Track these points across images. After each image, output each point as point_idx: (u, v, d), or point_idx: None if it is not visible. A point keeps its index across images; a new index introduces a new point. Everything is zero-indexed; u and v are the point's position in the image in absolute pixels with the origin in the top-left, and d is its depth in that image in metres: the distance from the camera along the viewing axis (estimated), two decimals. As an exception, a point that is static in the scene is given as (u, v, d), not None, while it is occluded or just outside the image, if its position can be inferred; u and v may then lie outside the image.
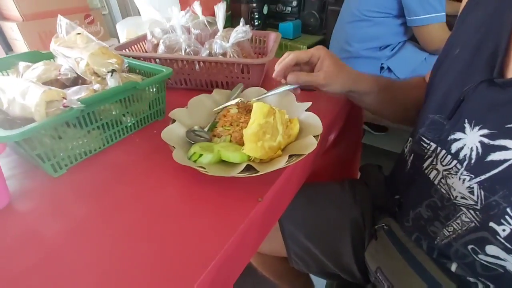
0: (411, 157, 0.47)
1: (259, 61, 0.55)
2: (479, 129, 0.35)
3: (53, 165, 0.39)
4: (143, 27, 0.85)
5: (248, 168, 0.37)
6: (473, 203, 0.36)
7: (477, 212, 0.36)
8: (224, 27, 0.64)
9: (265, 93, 0.49)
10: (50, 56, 0.55)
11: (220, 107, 0.47)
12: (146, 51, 0.71)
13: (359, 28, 1.31)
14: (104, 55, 0.41)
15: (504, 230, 0.33)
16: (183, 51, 0.59)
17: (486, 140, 0.34)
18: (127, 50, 0.63)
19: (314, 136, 0.39)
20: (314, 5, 1.91)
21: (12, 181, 0.39)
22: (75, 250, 0.30)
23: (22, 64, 0.51)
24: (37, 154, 0.36)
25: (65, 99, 0.35)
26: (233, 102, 0.47)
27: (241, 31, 0.55)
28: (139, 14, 1.86)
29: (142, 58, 0.56)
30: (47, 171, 0.39)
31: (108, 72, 0.40)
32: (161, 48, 0.60)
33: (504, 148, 0.33)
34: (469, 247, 0.37)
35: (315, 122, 0.42)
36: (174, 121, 0.45)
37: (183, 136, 0.43)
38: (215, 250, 0.30)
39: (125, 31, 0.82)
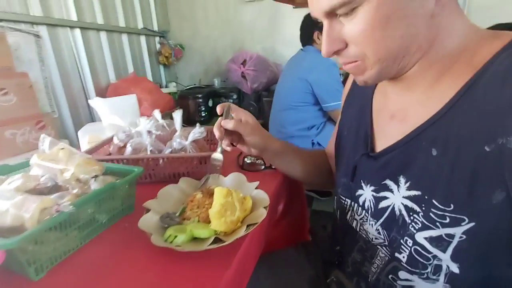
0: (338, 213, 0.61)
1: (209, 153, 0.69)
2: (369, 186, 0.50)
3: (36, 268, 0.42)
4: (105, 132, 0.96)
5: (216, 241, 0.46)
6: (382, 241, 0.49)
7: (387, 247, 0.48)
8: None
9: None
10: (18, 168, 0.61)
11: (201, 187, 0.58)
12: (110, 153, 0.81)
13: (289, 115, 1.63)
14: (87, 164, 0.50)
15: (404, 257, 0.45)
16: (148, 151, 0.71)
17: (375, 194, 0.49)
18: (97, 152, 0.73)
19: (264, 207, 0.51)
20: (251, 97, 2.29)
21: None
22: None
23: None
24: (27, 259, 0.40)
25: (58, 205, 0.42)
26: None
27: (197, 131, 0.71)
28: (90, 116, 1.97)
29: (115, 161, 0.66)
30: (29, 274, 0.42)
31: (91, 177, 0.49)
32: (128, 150, 0.71)
33: (385, 197, 0.47)
34: (390, 276, 0.48)
35: (263, 196, 0.55)
36: (147, 211, 0.54)
37: (156, 223, 0.51)
38: None
39: (87, 136, 0.91)
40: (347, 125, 0.60)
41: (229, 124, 0.56)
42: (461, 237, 0.38)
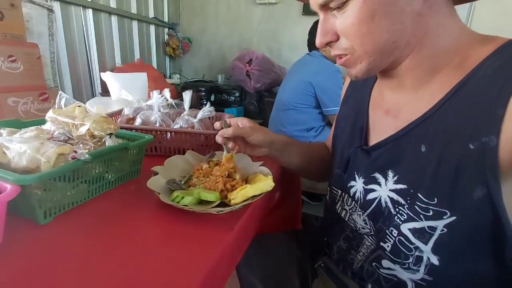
0: (329, 203, 0.63)
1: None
2: (360, 178, 0.52)
3: (45, 212, 0.44)
4: (112, 106, 0.97)
5: (221, 207, 0.48)
6: (368, 231, 0.51)
7: (373, 237, 0.50)
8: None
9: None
10: (31, 124, 0.62)
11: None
12: (117, 124, 0.82)
13: (289, 115, 1.66)
14: (104, 122, 0.52)
15: (388, 246, 0.47)
16: (157, 124, 0.73)
17: (364, 186, 0.51)
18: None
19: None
20: (253, 96, 2.32)
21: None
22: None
23: (5, 129, 0.57)
24: (38, 200, 0.41)
25: (76, 152, 0.43)
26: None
27: (207, 110, 0.73)
28: (92, 96, 1.98)
29: (127, 128, 0.68)
30: (37, 217, 0.43)
31: (107, 134, 0.51)
32: (138, 121, 0.73)
33: (373, 190, 0.49)
34: (373, 264, 0.50)
35: (268, 171, 0.58)
36: (154, 174, 0.55)
37: (163, 185, 0.53)
38: (200, 269, 0.37)
39: (95, 108, 0.93)
40: (345, 118, 0.62)
41: (228, 131, 0.56)
42: (442, 230, 0.40)
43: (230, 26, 2.68)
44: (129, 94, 0.88)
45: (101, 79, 1.98)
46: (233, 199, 0.48)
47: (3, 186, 0.38)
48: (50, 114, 0.55)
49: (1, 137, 0.48)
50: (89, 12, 1.89)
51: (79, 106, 0.55)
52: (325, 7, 0.42)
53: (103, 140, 0.52)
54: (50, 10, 1.59)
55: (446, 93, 0.40)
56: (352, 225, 0.55)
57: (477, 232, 0.39)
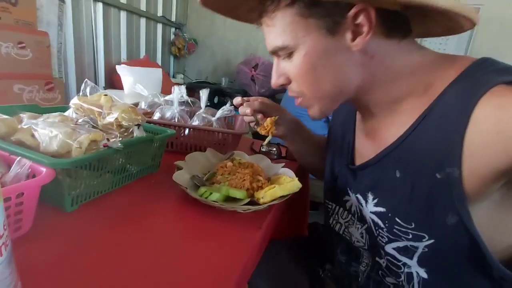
0: (325, 217, 0.61)
1: (240, 132, 0.71)
2: (354, 193, 0.51)
3: (73, 199, 0.42)
4: (124, 99, 0.96)
5: (248, 205, 0.48)
6: (362, 245, 0.50)
7: (367, 251, 0.50)
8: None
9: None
10: (52, 110, 0.61)
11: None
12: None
13: (295, 121, 1.66)
14: (132, 112, 0.51)
15: (383, 262, 0.47)
16: (176, 119, 0.72)
17: (358, 201, 0.50)
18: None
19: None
20: (256, 101, 2.33)
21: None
22: (89, 278, 0.32)
23: (25, 113, 0.55)
24: (68, 186, 0.40)
25: (108, 140, 0.43)
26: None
27: (227, 109, 0.73)
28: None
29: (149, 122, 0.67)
30: (65, 204, 0.42)
31: (135, 125, 0.50)
32: (157, 115, 0.72)
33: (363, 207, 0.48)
34: (380, 272, 0.49)
35: (291, 174, 0.58)
36: (178, 169, 0.55)
37: (188, 180, 0.53)
38: (233, 269, 0.36)
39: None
40: (335, 128, 0.62)
41: (255, 104, 0.58)
42: (424, 249, 0.40)
43: (237, 31, 2.70)
44: (144, 89, 0.87)
45: (105, 73, 1.96)
46: (262, 198, 0.48)
47: (38, 169, 0.37)
48: (75, 101, 0.54)
49: (28, 120, 0.47)
50: (99, 5, 1.88)
51: (106, 95, 0.54)
52: (275, 54, 0.44)
53: (130, 130, 0.51)
54: (61, 0, 1.58)
55: (415, 121, 0.40)
56: (348, 238, 0.54)
57: (456, 254, 0.39)
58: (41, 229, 0.38)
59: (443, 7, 0.33)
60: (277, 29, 0.41)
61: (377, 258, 0.48)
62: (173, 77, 2.74)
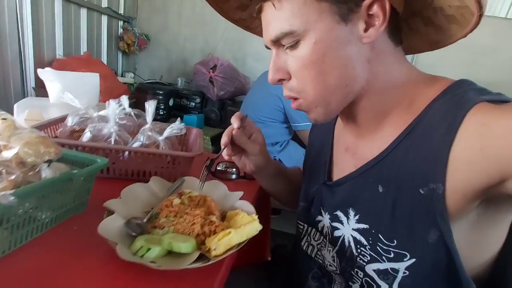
0: (295, 239, 0.59)
1: (192, 154, 0.62)
2: (327, 214, 0.50)
3: None
4: (49, 111, 0.79)
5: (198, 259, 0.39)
6: (334, 269, 0.49)
7: (340, 276, 0.48)
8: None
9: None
10: None
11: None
12: (56, 136, 0.66)
13: (255, 128, 1.60)
14: (40, 144, 0.39)
15: (356, 287, 0.45)
16: (113, 140, 0.60)
17: (330, 222, 0.49)
18: (44, 130, 0.58)
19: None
20: (215, 104, 2.22)
21: None
22: None
23: None
24: None
25: (-6, 193, 0.30)
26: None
27: (177, 127, 0.63)
28: (22, 92, 1.67)
29: (66, 146, 0.53)
30: None
31: (44, 162, 0.38)
32: (87, 135, 0.59)
33: (337, 228, 0.47)
34: None
35: (249, 209, 0.50)
36: (108, 213, 0.43)
37: (121, 229, 0.42)
38: None
39: (26, 112, 0.74)
40: (313, 146, 0.61)
41: (241, 138, 0.53)
42: (404, 272, 0.40)
43: (194, 28, 2.54)
44: (75, 98, 0.72)
45: (35, 74, 1.68)
46: (214, 249, 0.39)
47: None
48: (-43, 128, 0.40)
49: None
50: (26, -10, 1.60)
51: (4, 118, 0.41)
52: (277, 43, 0.41)
53: (37, 169, 0.38)
54: (-28, -18, 1.29)
55: (398, 136, 0.40)
56: (320, 261, 0.52)
57: (435, 273, 0.39)
58: None
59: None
60: (285, 12, 0.37)
61: (350, 283, 0.46)
62: (122, 75, 2.49)
